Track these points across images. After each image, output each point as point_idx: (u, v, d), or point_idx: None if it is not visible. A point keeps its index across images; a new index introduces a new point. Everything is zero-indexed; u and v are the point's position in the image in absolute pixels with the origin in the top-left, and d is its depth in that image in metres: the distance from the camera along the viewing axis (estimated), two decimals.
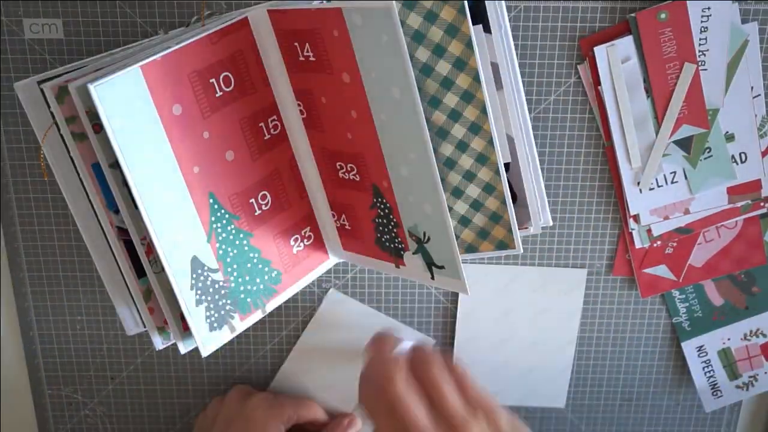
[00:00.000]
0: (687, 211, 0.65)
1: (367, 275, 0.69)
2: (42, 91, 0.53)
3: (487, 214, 0.60)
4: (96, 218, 0.58)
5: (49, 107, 0.54)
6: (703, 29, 0.60)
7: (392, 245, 0.61)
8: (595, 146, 0.64)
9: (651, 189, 0.64)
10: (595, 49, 0.60)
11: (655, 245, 0.67)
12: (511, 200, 0.59)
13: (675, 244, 0.67)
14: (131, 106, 0.52)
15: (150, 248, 0.57)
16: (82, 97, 0.51)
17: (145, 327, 0.61)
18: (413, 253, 0.60)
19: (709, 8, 0.59)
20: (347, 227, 0.63)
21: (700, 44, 0.60)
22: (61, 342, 0.69)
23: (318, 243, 0.65)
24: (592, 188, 0.66)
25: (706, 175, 0.64)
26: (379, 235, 0.62)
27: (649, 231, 0.66)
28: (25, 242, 0.66)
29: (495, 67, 0.58)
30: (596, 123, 0.64)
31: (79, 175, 0.56)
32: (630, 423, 0.74)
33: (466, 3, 0.53)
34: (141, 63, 0.51)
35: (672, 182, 0.64)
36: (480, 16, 0.57)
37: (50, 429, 0.72)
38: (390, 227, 0.61)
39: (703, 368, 0.71)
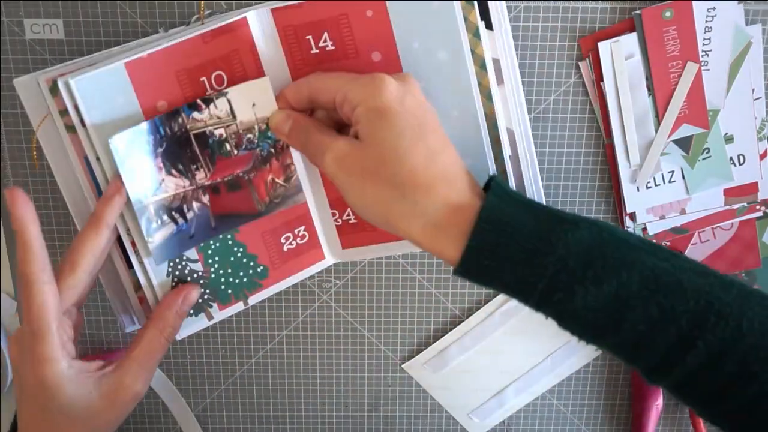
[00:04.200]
0: (683, 211, 0.65)
1: (367, 275, 0.69)
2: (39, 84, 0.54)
3: None
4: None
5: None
6: (707, 29, 0.60)
7: None
8: (595, 146, 0.65)
9: (648, 187, 0.64)
10: (599, 44, 0.61)
11: None
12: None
13: (668, 244, 0.67)
14: (112, 101, 0.53)
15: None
16: (70, 90, 0.52)
17: (140, 325, 0.61)
18: None
19: (714, 8, 0.60)
20: (352, 221, 0.63)
21: (703, 44, 0.61)
22: None
23: (313, 242, 0.64)
24: (592, 188, 0.66)
25: (704, 176, 0.64)
26: None
27: (644, 230, 0.66)
28: None
29: (497, 63, 0.59)
30: (596, 122, 0.64)
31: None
32: (630, 423, 0.74)
33: None
34: (126, 60, 0.53)
35: (670, 181, 0.64)
36: (482, 15, 0.57)
37: None
38: None
39: None
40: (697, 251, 0.67)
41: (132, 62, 0.53)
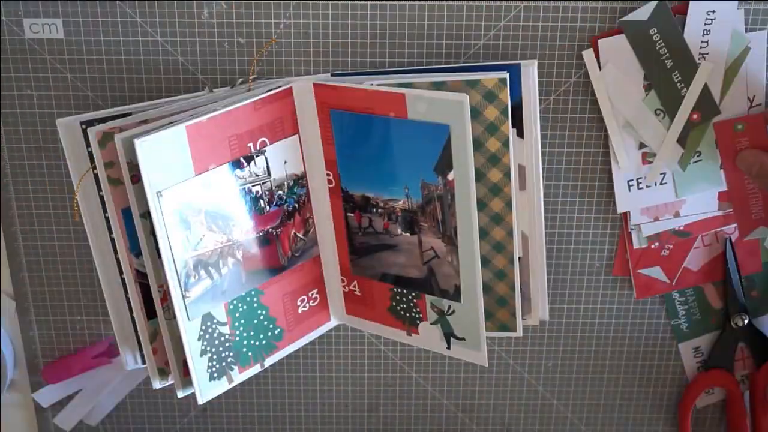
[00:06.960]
0: (677, 214, 0.65)
1: None
2: (84, 132, 0.56)
3: (494, 298, 0.63)
4: (114, 258, 0.60)
5: (88, 147, 0.56)
6: (705, 32, 0.60)
7: (408, 314, 0.63)
8: (595, 146, 0.64)
9: (640, 188, 0.64)
10: (600, 41, 0.60)
11: (653, 246, 0.66)
12: (519, 289, 0.62)
13: (671, 247, 0.67)
14: (171, 163, 0.54)
15: (166, 296, 0.58)
16: (126, 148, 0.53)
17: (143, 364, 0.62)
18: (431, 324, 0.62)
19: (714, 11, 0.59)
20: (357, 293, 0.65)
21: (701, 47, 0.60)
22: (61, 342, 0.69)
23: (322, 305, 0.66)
24: (592, 188, 0.66)
25: (694, 180, 0.64)
26: (394, 303, 0.64)
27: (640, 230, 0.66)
28: (25, 242, 0.66)
29: (522, 170, 0.61)
30: (601, 122, 0.63)
31: (106, 215, 0.58)
32: (630, 423, 0.74)
33: (509, 105, 0.56)
34: (187, 123, 0.54)
35: (661, 183, 0.64)
36: (515, 121, 0.59)
37: (50, 429, 0.72)
38: (410, 297, 0.63)
39: (698, 369, 0.71)
40: (700, 255, 0.67)
41: (192, 126, 0.54)
